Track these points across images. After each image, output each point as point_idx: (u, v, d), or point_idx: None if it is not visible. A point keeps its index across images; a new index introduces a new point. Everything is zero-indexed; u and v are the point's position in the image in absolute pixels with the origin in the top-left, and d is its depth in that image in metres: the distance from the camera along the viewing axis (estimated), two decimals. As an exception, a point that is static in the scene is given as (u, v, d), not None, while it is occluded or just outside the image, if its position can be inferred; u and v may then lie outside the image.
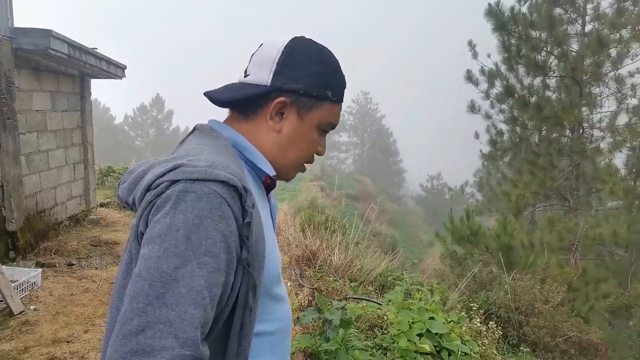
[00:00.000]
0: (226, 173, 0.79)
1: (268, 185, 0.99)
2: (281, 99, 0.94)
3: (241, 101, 0.96)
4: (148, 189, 0.82)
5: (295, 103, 0.95)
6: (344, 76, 1.01)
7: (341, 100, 1.01)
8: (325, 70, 0.97)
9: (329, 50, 1.01)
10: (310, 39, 1.00)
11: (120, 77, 7.11)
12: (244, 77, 0.99)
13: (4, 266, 3.90)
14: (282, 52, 0.94)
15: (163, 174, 0.81)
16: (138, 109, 50.46)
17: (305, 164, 1.03)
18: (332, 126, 1.01)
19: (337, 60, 1.01)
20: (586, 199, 10.58)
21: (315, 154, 1.03)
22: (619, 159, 10.07)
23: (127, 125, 50.52)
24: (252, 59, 0.99)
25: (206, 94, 0.99)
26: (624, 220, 8.84)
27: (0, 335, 3.29)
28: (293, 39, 0.97)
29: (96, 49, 6.07)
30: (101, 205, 7.37)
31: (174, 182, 0.79)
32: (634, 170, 9.79)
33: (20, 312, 3.66)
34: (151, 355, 0.69)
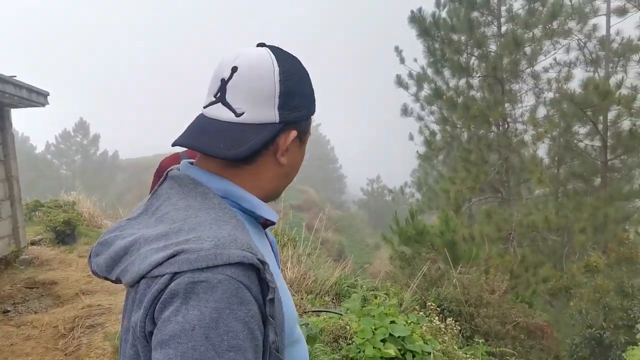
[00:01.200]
0: (237, 250, 0.69)
1: (266, 225, 0.91)
2: (293, 132, 0.84)
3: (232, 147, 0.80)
4: (143, 276, 0.72)
5: (300, 132, 0.87)
6: None
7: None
8: (311, 87, 0.89)
9: (299, 60, 0.91)
10: (287, 52, 0.87)
11: (43, 105, 6.67)
12: (236, 115, 0.81)
13: None
14: (280, 79, 0.82)
15: (160, 263, 0.69)
16: (61, 136, 47.53)
17: None
18: None
19: None
20: (517, 190, 11.28)
21: None
22: (542, 150, 10.86)
23: (49, 154, 47.44)
24: (230, 88, 0.81)
25: (196, 148, 0.81)
26: (552, 206, 9.51)
27: None
28: (277, 57, 0.83)
29: (15, 76, 5.67)
30: (32, 244, 6.85)
31: (176, 273, 0.68)
32: (556, 158, 10.57)
33: (-48, 373, 3.32)
34: None
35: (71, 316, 4.25)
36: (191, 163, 0.89)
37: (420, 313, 4.34)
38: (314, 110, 0.90)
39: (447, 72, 11.67)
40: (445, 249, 7.63)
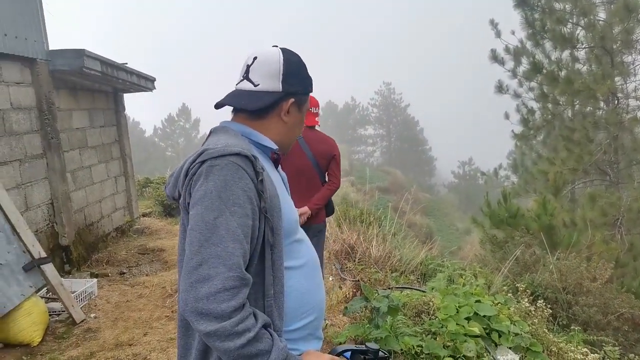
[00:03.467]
0: (238, 148, 1.09)
1: (275, 159, 1.30)
2: (292, 100, 1.26)
3: (255, 105, 1.25)
4: (186, 174, 1.11)
5: (297, 101, 1.28)
6: None
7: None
8: (307, 73, 1.32)
9: (299, 56, 1.34)
10: (291, 51, 1.31)
11: (151, 90, 7.32)
12: (254, 86, 1.24)
13: (62, 279, 4.10)
14: (283, 65, 1.24)
15: (194, 160, 1.10)
16: (166, 120, 51.62)
17: None
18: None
19: None
20: (627, 172, 10.20)
21: None
22: (660, 128, 9.69)
23: (157, 137, 51.77)
24: (252, 70, 1.25)
25: (228, 104, 1.27)
26: (670, 190, 8.51)
27: (67, 343, 3.49)
28: (283, 52, 1.27)
29: (126, 64, 6.27)
30: (144, 215, 7.63)
31: (203, 162, 1.08)
32: (676, 137, 9.39)
33: (82, 321, 3.86)
34: (210, 281, 0.98)
35: (176, 279, 4.71)
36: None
37: (509, 295, 4.19)
38: (310, 90, 1.33)
39: (548, 44, 10.77)
40: (541, 234, 7.20)
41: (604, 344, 4.16)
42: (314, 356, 1.16)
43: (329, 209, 3.56)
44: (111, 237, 6.30)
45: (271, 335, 1.07)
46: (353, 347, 1.27)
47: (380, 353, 1.25)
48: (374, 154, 58.73)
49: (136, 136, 46.52)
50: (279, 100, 1.24)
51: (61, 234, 5.04)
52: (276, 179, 1.25)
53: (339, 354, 1.26)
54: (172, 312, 3.96)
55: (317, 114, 3.43)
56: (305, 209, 3.28)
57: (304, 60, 1.33)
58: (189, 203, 1.10)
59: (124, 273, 5.11)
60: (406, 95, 57.95)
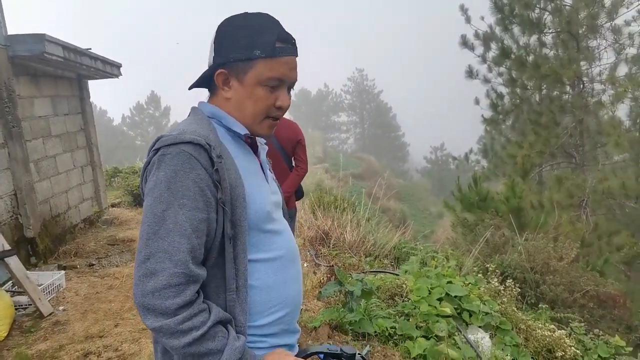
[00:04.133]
0: (192, 136, 1.01)
1: (250, 143, 1.20)
2: (219, 71, 1.11)
3: (202, 83, 1.19)
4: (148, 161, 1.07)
5: (232, 71, 1.10)
6: (275, 31, 1.09)
7: (276, 54, 1.08)
8: (248, 33, 1.08)
9: (259, 14, 1.12)
10: (241, 13, 1.13)
11: (117, 76, 7.09)
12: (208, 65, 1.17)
13: (27, 271, 3.97)
14: (215, 34, 1.11)
15: (152, 148, 1.04)
16: (135, 109, 50.31)
17: (271, 119, 1.16)
18: (279, 79, 1.10)
19: (267, 20, 1.11)
20: (592, 154, 10.54)
21: (277, 108, 1.14)
22: (622, 111, 10.00)
23: (125, 126, 50.46)
24: None
25: (190, 87, 1.24)
26: (632, 172, 8.83)
27: (35, 337, 3.39)
28: (225, 20, 1.12)
29: (90, 49, 6.05)
30: (112, 206, 7.44)
31: (157, 150, 1.02)
32: (638, 120, 9.72)
33: (50, 314, 3.75)
34: (155, 276, 0.94)
35: (147, 269, 4.62)
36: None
37: (479, 275, 4.29)
38: (254, 54, 1.07)
39: (516, 29, 10.94)
40: (510, 216, 7.38)
41: (570, 321, 4.31)
42: (278, 356, 1.09)
43: (298, 193, 3.54)
44: (79, 229, 6.13)
45: (228, 333, 1.02)
46: (326, 349, 1.17)
47: (357, 356, 1.15)
48: (347, 141, 58.86)
49: (103, 125, 45.23)
50: (209, 74, 1.14)
51: (26, 225, 4.87)
52: (251, 166, 1.16)
53: (309, 355, 1.18)
54: (143, 302, 3.89)
55: None
56: None
57: (257, 19, 1.10)
58: (144, 192, 1.05)
59: (93, 264, 4.99)
60: (379, 82, 58.11)
